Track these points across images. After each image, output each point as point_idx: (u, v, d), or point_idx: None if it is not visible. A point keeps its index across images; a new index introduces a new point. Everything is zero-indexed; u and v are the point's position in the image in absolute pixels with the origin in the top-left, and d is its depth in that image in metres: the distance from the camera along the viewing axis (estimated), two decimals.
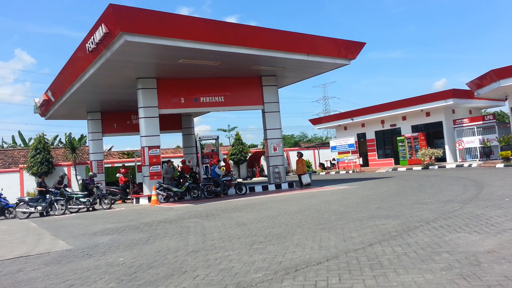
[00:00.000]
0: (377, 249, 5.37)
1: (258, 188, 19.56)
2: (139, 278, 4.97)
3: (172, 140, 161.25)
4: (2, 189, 18.09)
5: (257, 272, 4.76)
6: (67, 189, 17.02)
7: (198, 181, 19.27)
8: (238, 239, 7.02)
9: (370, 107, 33.74)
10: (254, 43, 16.15)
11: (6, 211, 15.94)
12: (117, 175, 22.01)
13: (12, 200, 17.30)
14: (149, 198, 17.14)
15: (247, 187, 18.20)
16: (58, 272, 5.72)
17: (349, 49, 19.32)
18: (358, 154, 33.89)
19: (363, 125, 35.85)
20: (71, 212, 15.75)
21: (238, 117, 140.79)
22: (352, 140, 32.80)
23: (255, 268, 4.97)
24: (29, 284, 5.15)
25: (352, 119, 35.23)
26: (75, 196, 16.28)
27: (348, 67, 20.29)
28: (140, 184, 19.36)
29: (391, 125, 33.42)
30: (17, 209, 15.41)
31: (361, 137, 36.28)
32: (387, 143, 34.26)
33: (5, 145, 43.11)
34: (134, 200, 18.51)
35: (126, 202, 19.69)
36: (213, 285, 4.40)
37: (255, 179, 33.87)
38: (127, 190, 20.67)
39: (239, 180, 20.52)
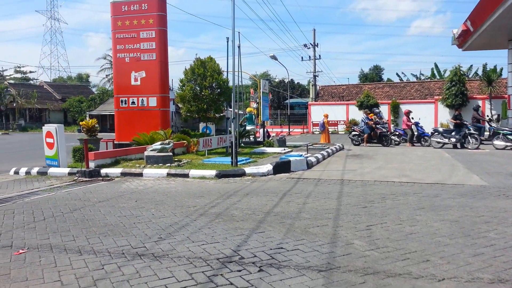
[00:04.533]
0: None
1: None
2: None
3: None
4: (419, 118, 19.92)
5: None
6: (491, 123, 16.39)
7: None
8: None
9: None
10: None
11: (422, 139, 17.53)
12: None
13: (426, 129, 18.75)
14: None
15: None
16: (473, 206, 5.79)
17: None
18: None
19: None
20: (497, 149, 15.07)
21: None
22: None
23: None
24: (445, 210, 5.55)
25: None
26: (502, 132, 15.36)
27: None
28: None
29: None
30: (432, 138, 16.58)
31: None
32: None
33: (422, 77, 46.49)
34: None
35: None
36: None
37: None
38: None
39: None
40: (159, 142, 10.97)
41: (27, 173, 10.23)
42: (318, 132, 26.60)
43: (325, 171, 9.62)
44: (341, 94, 38.83)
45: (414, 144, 17.46)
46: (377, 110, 19.19)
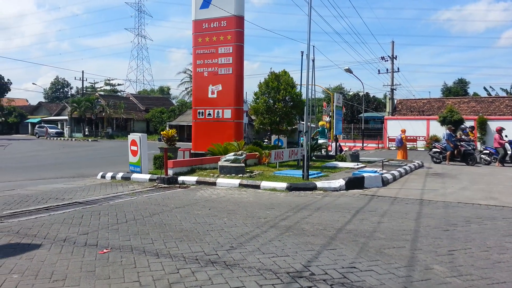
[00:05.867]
0: None
1: None
2: None
3: None
4: None
5: None
6: None
7: None
8: None
9: None
10: None
11: None
12: None
13: None
14: None
15: None
16: None
17: None
18: None
19: None
20: None
21: None
22: None
23: None
24: None
25: None
26: None
27: None
28: None
29: None
30: None
31: None
32: None
33: None
34: None
35: None
36: None
37: None
38: None
39: None
40: (232, 153, 11.25)
41: (113, 177, 11.05)
42: (394, 148, 25.42)
43: (402, 189, 9.14)
44: (421, 109, 36.87)
45: (505, 164, 15.94)
46: (463, 126, 17.83)
